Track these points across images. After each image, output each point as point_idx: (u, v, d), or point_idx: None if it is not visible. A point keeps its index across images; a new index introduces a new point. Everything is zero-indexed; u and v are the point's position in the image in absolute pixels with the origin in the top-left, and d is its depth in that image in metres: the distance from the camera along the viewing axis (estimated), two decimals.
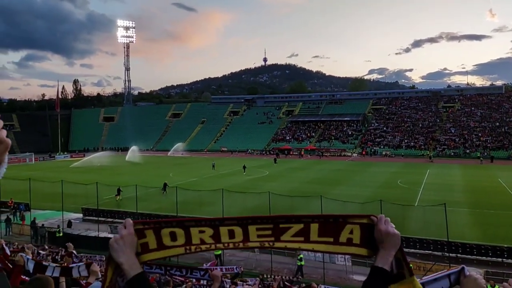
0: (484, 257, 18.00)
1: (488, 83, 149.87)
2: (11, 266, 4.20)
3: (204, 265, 12.89)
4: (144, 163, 59.50)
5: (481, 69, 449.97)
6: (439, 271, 1.73)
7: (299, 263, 18.01)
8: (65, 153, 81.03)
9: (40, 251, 10.72)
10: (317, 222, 1.49)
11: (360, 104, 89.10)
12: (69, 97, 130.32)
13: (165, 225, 1.48)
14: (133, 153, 66.45)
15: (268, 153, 72.78)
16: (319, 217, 1.50)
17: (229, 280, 7.96)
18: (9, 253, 5.27)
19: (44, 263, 4.86)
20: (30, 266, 4.23)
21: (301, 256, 18.24)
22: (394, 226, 1.46)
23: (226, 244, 1.50)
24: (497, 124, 69.29)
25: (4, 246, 5.19)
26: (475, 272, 1.60)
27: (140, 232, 1.46)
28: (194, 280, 8.66)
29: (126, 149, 71.24)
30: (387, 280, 1.44)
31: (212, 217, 1.55)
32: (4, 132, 1.28)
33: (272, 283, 12.58)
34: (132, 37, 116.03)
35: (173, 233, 1.47)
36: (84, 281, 4.46)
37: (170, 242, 1.48)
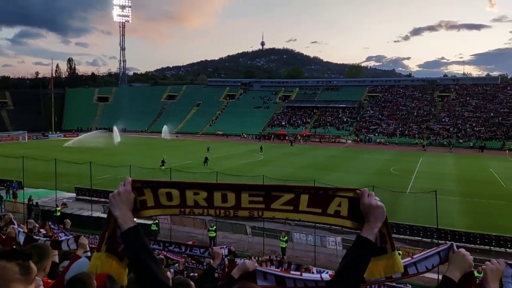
0: (472, 245, 18.27)
1: (484, 74, 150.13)
2: (3, 237, 4.25)
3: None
4: (138, 144, 59.30)
5: (479, 59, 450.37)
6: (429, 249, 1.77)
7: (283, 245, 18.25)
8: (59, 132, 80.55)
9: (41, 230, 11.08)
10: (308, 193, 1.54)
11: (356, 91, 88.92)
12: (63, 76, 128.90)
13: (162, 185, 1.59)
14: (116, 133, 65.16)
15: (262, 138, 72.58)
16: (310, 188, 1.56)
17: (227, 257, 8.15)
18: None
19: (34, 236, 4.91)
20: (21, 238, 4.29)
21: (286, 238, 18.51)
22: (378, 199, 1.47)
23: (218, 211, 1.58)
24: (491, 114, 69.64)
25: (13, 219, 5.34)
26: (463, 249, 1.64)
27: (139, 190, 1.59)
28: (186, 259, 8.76)
29: (121, 130, 70.79)
30: (370, 251, 1.46)
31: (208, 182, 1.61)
32: None
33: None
34: (128, 16, 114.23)
35: (169, 194, 1.57)
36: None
37: (166, 201, 1.58)
